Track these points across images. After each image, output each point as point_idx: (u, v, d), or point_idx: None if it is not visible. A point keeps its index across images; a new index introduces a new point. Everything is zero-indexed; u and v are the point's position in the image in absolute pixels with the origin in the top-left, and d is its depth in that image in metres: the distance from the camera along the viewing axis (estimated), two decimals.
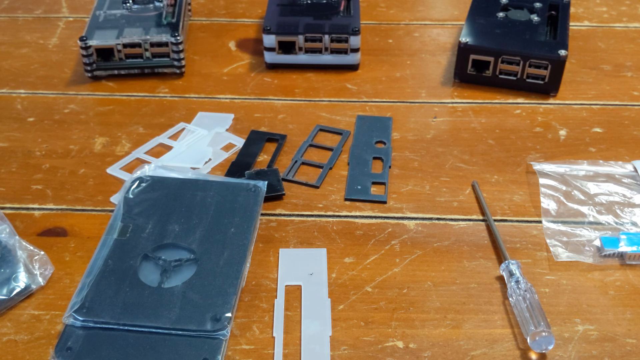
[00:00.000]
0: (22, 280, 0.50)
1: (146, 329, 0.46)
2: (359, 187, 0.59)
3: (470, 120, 0.67)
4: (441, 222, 0.56)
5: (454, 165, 0.62)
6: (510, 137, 0.65)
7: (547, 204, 0.57)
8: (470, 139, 0.65)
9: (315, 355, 0.46)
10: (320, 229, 0.56)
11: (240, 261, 0.50)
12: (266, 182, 0.57)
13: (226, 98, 0.70)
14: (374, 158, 0.62)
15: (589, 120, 0.67)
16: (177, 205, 0.55)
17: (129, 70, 0.72)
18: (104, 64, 0.71)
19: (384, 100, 0.70)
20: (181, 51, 0.71)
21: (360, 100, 0.69)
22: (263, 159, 0.63)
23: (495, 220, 0.56)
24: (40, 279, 0.51)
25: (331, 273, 0.52)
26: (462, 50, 0.69)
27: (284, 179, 0.60)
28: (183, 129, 0.66)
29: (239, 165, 0.61)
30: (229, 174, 0.60)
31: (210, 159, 0.62)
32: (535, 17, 0.72)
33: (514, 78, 0.69)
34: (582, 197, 0.57)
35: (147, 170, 0.59)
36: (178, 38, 0.70)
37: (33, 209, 0.58)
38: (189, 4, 0.81)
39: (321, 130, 0.66)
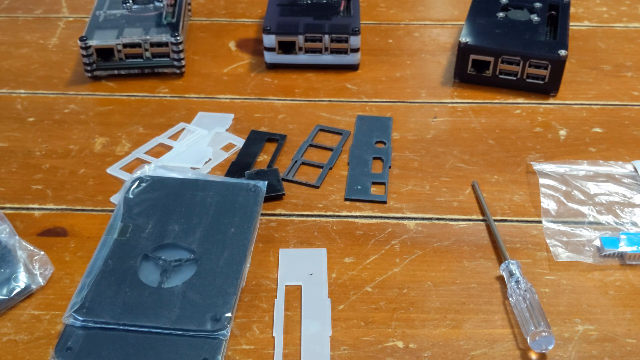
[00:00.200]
0: (22, 280, 0.50)
1: (146, 329, 0.46)
2: (359, 187, 0.59)
3: (470, 120, 0.67)
4: (441, 222, 0.56)
5: (454, 165, 0.62)
6: (510, 137, 0.65)
7: (547, 204, 0.57)
8: (470, 139, 0.65)
9: (315, 355, 0.46)
10: (320, 229, 0.56)
11: (240, 261, 0.51)
12: (266, 182, 0.57)
13: (226, 98, 0.70)
14: (374, 158, 0.62)
15: (589, 120, 0.67)
16: (177, 205, 0.55)
17: (129, 70, 0.72)
18: (104, 64, 0.71)
19: (384, 100, 0.70)
20: (181, 51, 0.71)
21: (360, 100, 0.69)
22: (263, 159, 0.63)
23: (495, 220, 0.56)
24: (40, 279, 0.51)
25: (331, 273, 0.52)
26: (462, 50, 0.69)
27: (284, 179, 0.60)
28: (183, 129, 0.66)
29: (239, 165, 0.61)
30: (229, 174, 0.60)
31: (210, 159, 0.62)
32: (535, 17, 0.72)
33: (514, 78, 0.69)
34: (582, 197, 0.57)
35: (147, 170, 0.59)
36: (178, 38, 0.70)
37: (33, 209, 0.58)
38: (189, 4, 0.81)
39: (321, 130, 0.66)
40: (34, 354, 0.47)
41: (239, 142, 0.64)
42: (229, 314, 0.47)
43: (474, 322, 0.49)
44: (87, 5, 0.84)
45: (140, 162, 0.62)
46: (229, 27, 0.81)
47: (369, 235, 0.55)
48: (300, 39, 0.71)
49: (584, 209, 0.56)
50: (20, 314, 0.49)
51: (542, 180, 0.59)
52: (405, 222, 0.56)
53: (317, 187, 0.60)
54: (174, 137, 0.65)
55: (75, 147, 0.64)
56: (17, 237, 0.53)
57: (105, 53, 0.71)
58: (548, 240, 0.54)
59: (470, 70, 0.70)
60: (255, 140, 0.64)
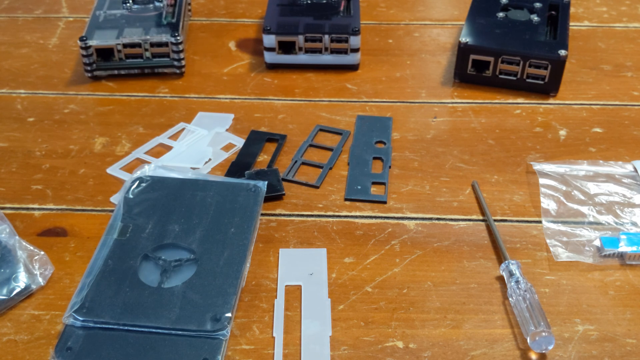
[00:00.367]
0: (22, 280, 0.50)
1: (146, 329, 0.46)
2: (359, 187, 0.59)
3: (470, 120, 0.67)
4: (441, 222, 0.56)
5: (454, 165, 0.62)
6: (510, 137, 0.65)
7: (547, 204, 0.57)
8: (470, 139, 0.65)
9: (315, 355, 0.46)
10: (320, 229, 0.56)
11: (240, 261, 0.51)
12: (266, 182, 0.57)
13: (226, 98, 0.70)
14: (374, 158, 0.62)
15: (589, 120, 0.67)
16: (177, 205, 0.55)
17: (129, 70, 0.72)
18: (104, 64, 0.71)
19: (384, 100, 0.70)
20: (181, 51, 0.71)
21: (360, 100, 0.69)
22: (263, 159, 0.63)
23: (495, 220, 0.56)
24: (40, 279, 0.51)
25: (331, 273, 0.52)
26: (462, 50, 0.69)
27: (284, 179, 0.60)
28: (183, 129, 0.66)
29: (239, 165, 0.61)
30: (229, 174, 0.60)
31: (210, 159, 0.62)
32: (535, 17, 0.72)
33: (514, 78, 0.69)
34: (582, 197, 0.57)
35: (147, 170, 0.59)
36: (178, 38, 0.70)
37: (33, 209, 0.58)
38: (189, 4, 0.81)
39: (321, 130, 0.66)
40: (34, 354, 0.47)
41: (239, 142, 0.64)
42: (229, 314, 0.47)
43: (474, 322, 0.49)
44: (87, 5, 0.84)
45: (140, 162, 0.62)
46: (229, 27, 0.81)
47: (369, 235, 0.55)
48: (300, 39, 0.71)
49: (584, 209, 0.56)
50: (20, 314, 0.49)
51: (542, 180, 0.59)
52: (405, 222, 0.56)
53: (317, 187, 0.60)
54: (174, 137, 0.65)
55: (75, 147, 0.64)
56: (17, 237, 0.53)
57: (105, 53, 0.71)
58: (548, 240, 0.54)
59: (470, 70, 0.70)
60: (255, 140, 0.64)
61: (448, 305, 0.50)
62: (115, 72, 0.72)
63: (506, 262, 0.51)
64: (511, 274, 0.50)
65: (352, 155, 0.63)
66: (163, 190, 0.56)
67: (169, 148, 0.63)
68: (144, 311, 0.47)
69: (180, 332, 0.46)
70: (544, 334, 0.46)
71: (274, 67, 0.74)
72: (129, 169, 0.61)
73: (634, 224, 0.55)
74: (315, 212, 0.57)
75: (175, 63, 0.72)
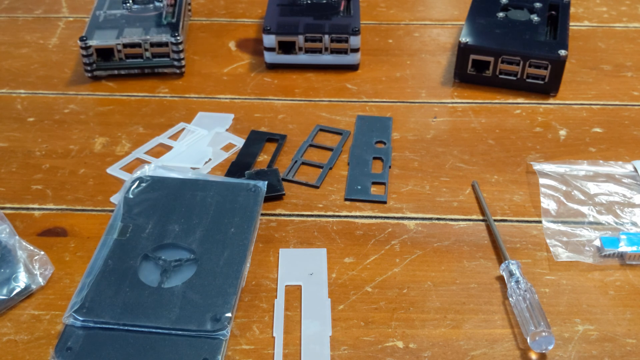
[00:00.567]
0: (22, 280, 0.50)
1: (146, 329, 0.46)
2: (359, 187, 0.59)
3: (470, 120, 0.67)
4: (441, 222, 0.56)
5: (454, 165, 0.62)
6: (510, 137, 0.65)
7: (547, 204, 0.57)
8: (470, 139, 0.65)
9: (315, 355, 0.46)
10: (320, 229, 0.56)
11: (240, 261, 0.51)
12: (266, 182, 0.57)
13: (226, 98, 0.70)
14: (374, 158, 0.62)
15: (589, 120, 0.67)
16: (177, 205, 0.55)
17: (129, 70, 0.72)
18: (104, 64, 0.71)
19: (384, 100, 0.70)
20: (181, 51, 0.71)
21: (360, 100, 0.69)
22: (263, 159, 0.63)
23: (495, 220, 0.56)
24: (40, 279, 0.51)
25: (331, 273, 0.52)
26: (462, 50, 0.69)
27: (284, 179, 0.60)
28: (183, 129, 0.66)
29: (239, 165, 0.61)
30: (229, 174, 0.60)
31: (210, 159, 0.62)
32: (535, 17, 0.72)
33: (514, 78, 0.69)
34: (582, 197, 0.57)
35: (147, 170, 0.59)
36: (178, 38, 0.70)
37: (33, 209, 0.58)
38: (189, 4, 0.81)
39: (321, 130, 0.66)
40: (34, 354, 0.47)
41: (239, 142, 0.64)
42: (229, 314, 0.47)
43: (474, 322, 0.49)
44: (87, 5, 0.84)
45: (140, 162, 0.62)
46: (229, 27, 0.81)
47: (369, 235, 0.55)
48: (300, 39, 0.71)
49: (584, 209, 0.56)
50: (20, 314, 0.49)
51: (542, 180, 0.59)
52: (405, 222, 0.56)
53: (317, 187, 0.60)
54: (174, 137, 0.65)
55: (75, 147, 0.64)
56: (17, 237, 0.53)
57: (105, 53, 0.71)
58: (548, 240, 0.54)
59: (470, 70, 0.70)
60: (255, 140, 0.64)
61: (448, 305, 0.50)
62: (115, 72, 0.72)
63: (506, 262, 0.51)
64: (511, 274, 0.50)
65: (352, 155, 0.63)
66: (163, 190, 0.56)
67: (169, 148, 0.63)
68: (144, 311, 0.47)
69: (180, 332, 0.46)
70: (544, 334, 0.46)
71: (274, 67, 0.74)
72: (129, 169, 0.61)
73: (634, 224, 0.55)
74: (315, 212, 0.57)
75: (175, 63, 0.72)
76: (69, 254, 0.54)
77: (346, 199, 0.58)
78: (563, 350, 0.47)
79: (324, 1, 0.75)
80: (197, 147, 0.63)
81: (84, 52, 0.69)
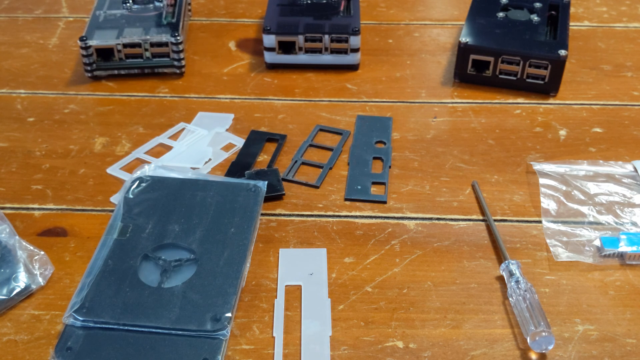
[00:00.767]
0: (22, 280, 0.50)
1: (146, 329, 0.46)
2: (359, 187, 0.59)
3: (470, 120, 0.67)
4: (441, 222, 0.56)
5: (454, 165, 0.62)
6: (510, 137, 0.65)
7: (547, 204, 0.57)
8: (470, 139, 0.65)
9: (315, 355, 0.46)
10: (320, 229, 0.56)
11: (240, 261, 0.51)
12: (266, 182, 0.57)
13: (226, 98, 0.70)
14: (374, 158, 0.62)
15: (589, 120, 0.67)
16: (177, 205, 0.55)
17: (129, 70, 0.72)
18: (104, 64, 0.71)
19: (384, 100, 0.70)
20: (181, 51, 0.71)
21: (360, 100, 0.69)
22: (263, 159, 0.63)
23: (495, 220, 0.56)
24: (40, 279, 0.51)
25: (331, 273, 0.52)
26: (462, 50, 0.69)
27: (284, 179, 0.60)
28: (183, 129, 0.66)
29: (239, 165, 0.61)
30: (229, 174, 0.60)
31: (210, 159, 0.62)
32: (535, 17, 0.72)
33: (514, 78, 0.69)
34: (582, 197, 0.57)
35: (147, 170, 0.59)
36: (178, 38, 0.70)
37: (33, 209, 0.58)
38: (189, 4, 0.81)
39: (321, 130, 0.66)
40: (34, 354, 0.47)
41: (239, 142, 0.64)
42: (229, 314, 0.47)
43: (474, 322, 0.49)
44: (87, 5, 0.84)
45: (140, 162, 0.62)
46: (229, 27, 0.81)
47: (369, 235, 0.55)
48: (300, 39, 0.71)
49: (584, 209, 0.56)
50: (20, 314, 0.49)
51: (542, 180, 0.59)
52: (405, 222, 0.56)
53: (317, 187, 0.60)
54: (174, 137, 0.65)
55: (75, 147, 0.64)
56: (17, 237, 0.53)
57: (105, 53, 0.71)
58: (548, 240, 0.54)
59: (470, 70, 0.70)
60: (255, 140, 0.64)
61: (448, 305, 0.50)
62: (115, 72, 0.72)
63: (506, 262, 0.51)
64: (511, 274, 0.50)
65: (352, 155, 0.63)
66: (163, 190, 0.56)
67: (169, 148, 0.63)
68: (144, 311, 0.47)
69: (180, 332, 0.46)
70: (544, 334, 0.46)
71: (274, 67, 0.74)
72: (129, 169, 0.61)
73: (634, 224, 0.55)
74: (315, 212, 0.57)
75: (175, 63, 0.72)
76: (69, 254, 0.54)
77: (346, 199, 0.58)
78: (563, 350, 0.47)
79: (324, 1, 0.75)
80: (197, 147, 0.63)
81: (84, 52, 0.69)
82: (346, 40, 0.71)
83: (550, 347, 0.46)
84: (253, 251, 0.53)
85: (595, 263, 0.52)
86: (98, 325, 0.46)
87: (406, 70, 0.74)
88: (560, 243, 0.54)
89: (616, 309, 0.50)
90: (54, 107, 0.69)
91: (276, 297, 0.50)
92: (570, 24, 0.80)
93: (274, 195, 0.58)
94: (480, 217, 0.57)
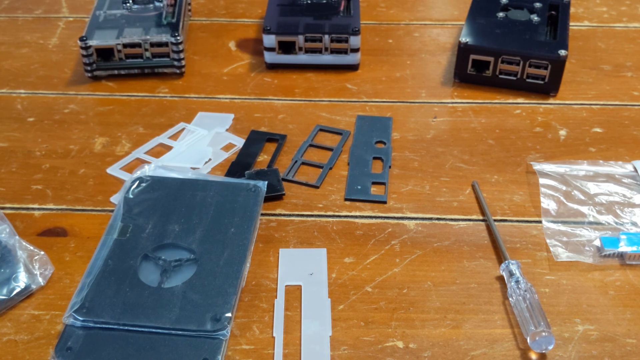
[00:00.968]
0: (22, 280, 0.50)
1: (146, 329, 0.46)
2: (359, 187, 0.59)
3: (470, 120, 0.67)
4: (441, 222, 0.56)
5: (454, 165, 0.62)
6: (510, 137, 0.65)
7: (547, 204, 0.57)
8: (470, 139, 0.65)
9: (315, 355, 0.46)
10: (320, 229, 0.56)
11: (240, 261, 0.51)
12: (266, 182, 0.57)
13: (226, 98, 0.70)
14: (374, 158, 0.62)
15: (589, 120, 0.67)
16: (177, 205, 0.55)
17: (129, 70, 0.72)
18: (104, 64, 0.71)
19: (384, 100, 0.70)
20: (181, 51, 0.71)
21: (360, 100, 0.69)
22: (263, 159, 0.63)
23: (495, 220, 0.56)
24: (40, 279, 0.51)
25: (331, 273, 0.52)
26: (462, 50, 0.69)
27: (284, 179, 0.60)
28: (183, 129, 0.66)
29: (239, 165, 0.61)
30: (229, 174, 0.60)
31: (210, 159, 0.62)
32: (535, 17, 0.72)
33: (514, 78, 0.69)
34: (582, 197, 0.57)
35: (147, 170, 0.59)
36: (178, 38, 0.70)
37: (33, 209, 0.58)
38: (189, 4, 0.81)
39: (321, 130, 0.66)
40: (34, 354, 0.47)
41: (239, 142, 0.64)
42: (229, 314, 0.47)
43: (474, 322, 0.49)
44: (87, 5, 0.84)
45: (140, 162, 0.62)
46: (229, 27, 0.81)
47: (369, 235, 0.55)
48: (300, 39, 0.71)
49: (584, 209, 0.56)
50: (20, 314, 0.49)
51: (542, 180, 0.59)
52: (405, 222, 0.56)
53: (317, 187, 0.60)
54: (174, 137, 0.65)
55: (75, 147, 0.64)
56: (17, 237, 0.53)
57: (105, 53, 0.71)
58: (548, 240, 0.54)
59: (470, 70, 0.70)
60: (255, 140, 0.64)
61: (448, 305, 0.50)
62: (115, 72, 0.72)
63: (506, 262, 0.51)
64: (511, 274, 0.50)
65: (352, 155, 0.63)
66: (163, 190, 0.56)
67: (169, 148, 0.63)
68: (144, 311, 0.47)
69: (180, 332, 0.46)
70: (544, 334, 0.46)
71: (274, 67, 0.74)
72: (129, 169, 0.61)
73: (634, 224, 0.55)
74: (315, 212, 0.57)
75: (175, 63, 0.72)
76: (69, 254, 0.54)
77: (346, 199, 0.58)
78: (563, 350, 0.47)
79: (324, 1, 0.75)
80: (197, 147, 0.63)
81: (84, 52, 0.69)
82: (346, 40, 0.71)
83: (550, 347, 0.46)
84: (253, 251, 0.53)
85: (595, 263, 0.52)
86: (98, 325, 0.46)
87: (406, 70, 0.74)
88: (560, 243, 0.54)
89: (616, 309, 0.50)
90: (54, 107, 0.69)
91: (276, 297, 0.50)
92: (570, 24, 0.80)
93: (274, 195, 0.58)
94: (480, 217, 0.57)
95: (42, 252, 0.52)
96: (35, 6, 0.85)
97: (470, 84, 0.71)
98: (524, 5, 0.74)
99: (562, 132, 0.65)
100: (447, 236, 0.55)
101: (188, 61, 0.75)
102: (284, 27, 0.72)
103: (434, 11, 0.84)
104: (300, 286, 0.51)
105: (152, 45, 0.71)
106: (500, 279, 0.52)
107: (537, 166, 0.60)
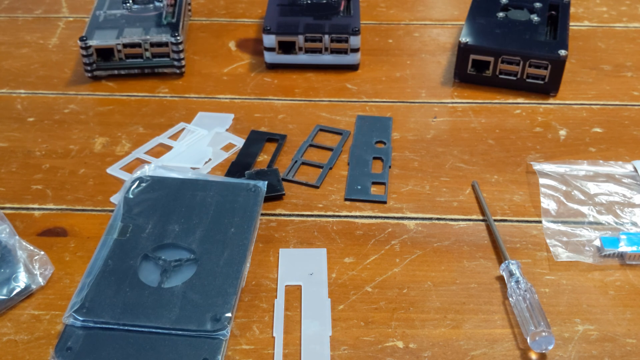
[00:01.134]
0: (22, 280, 0.50)
1: (146, 329, 0.46)
2: (359, 187, 0.59)
3: (470, 120, 0.67)
4: (441, 222, 0.56)
5: (454, 165, 0.62)
6: (510, 137, 0.65)
7: (547, 204, 0.57)
8: (470, 139, 0.65)
9: (315, 355, 0.46)
10: (320, 229, 0.56)
11: (240, 261, 0.51)
12: (266, 182, 0.57)
13: (226, 98, 0.70)
14: (374, 158, 0.62)
15: (589, 120, 0.67)
16: (177, 205, 0.55)
17: (129, 70, 0.72)
18: (104, 64, 0.71)
19: (384, 100, 0.70)
20: (181, 51, 0.71)
21: (360, 100, 0.69)
22: (263, 159, 0.63)
23: (495, 220, 0.56)
24: (40, 279, 0.51)
25: (331, 273, 0.52)
26: (462, 50, 0.69)
27: (284, 179, 0.60)
28: (183, 129, 0.66)
29: (239, 165, 0.61)
30: (229, 174, 0.60)
31: (210, 159, 0.62)
32: (535, 17, 0.72)
33: (514, 78, 0.69)
34: (582, 197, 0.57)
35: (147, 170, 0.59)
36: (178, 38, 0.70)
37: (33, 209, 0.58)
38: (189, 4, 0.81)
39: (321, 130, 0.66)
40: (34, 354, 0.47)
41: (239, 142, 0.64)
42: (229, 314, 0.47)
43: (474, 322, 0.49)
44: (87, 5, 0.84)
45: (140, 162, 0.62)
46: (229, 27, 0.81)
47: (369, 235, 0.55)
48: (300, 39, 0.71)
49: (584, 209, 0.56)
50: (20, 314, 0.49)
51: (542, 180, 0.59)
52: (405, 222, 0.56)
53: (317, 187, 0.60)
54: (174, 137, 0.65)
55: (75, 147, 0.64)
56: (17, 237, 0.53)
57: (105, 53, 0.71)
58: (548, 240, 0.54)
59: (470, 70, 0.70)
60: (255, 140, 0.64)
61: (448, 305, 0.50)
62: (115, 72, 0.72)
63: (506, 262, 0.51)
64: (511, 274, 0.50)
65: (352, 155, 0.63)
66: (163, 190, 0.56)
67: (169, 148, 0.63)
68: (144, 311, 0.47)
69: (180, 332, 0.46)
70: (544, 334, 0.46)
71: (274, 67, 0.74)
72: (129, 169, 0.61)
73: (634, 224, 0.55)
74: (315, 212, 0.57)
75: (175, 63, 0.72)
76: (69, 254, 0.54)
77: (346, 199, 0.58)
78: (563, 350, 0.47)
79: (324, 1, 0.75)
80: (197, 147, 0.63)
81: (84, 52, 0.69)
82: (346, 40, 0.71)
83: (550, 347, 0.46)
84: (253, 251, 0.53)
85: (595, 263, 0.52)
86: (98, 325, 0.46)
87: (406, 70, 0.74)
88: (560, 243, 0.54)
89: (616, 309, 0.50)
90: (54, 107, 0.69)
91: (276, 297, 0.50)
92: (570, 24, 0.80)
93: (274, 195, 0.58)
94: (480, 217, 0.57)
95: (42, 252, 0.52)
96: (35, 6, 0.85)
97: (470, 84, 0.71)
98: (524, 5, 0.74)
99: (562, 132, 0.65)
100: (447, 236, 0.55)
101: (188, 61, 0.75)
102: (284, 27, 0.72)
103: (434, 11, 0.84)
104: (300, 286, 0.51)
105: (152, 45, 0.71)
106: (500, 279, 0.52)
107: (537, 166, 0.60)
